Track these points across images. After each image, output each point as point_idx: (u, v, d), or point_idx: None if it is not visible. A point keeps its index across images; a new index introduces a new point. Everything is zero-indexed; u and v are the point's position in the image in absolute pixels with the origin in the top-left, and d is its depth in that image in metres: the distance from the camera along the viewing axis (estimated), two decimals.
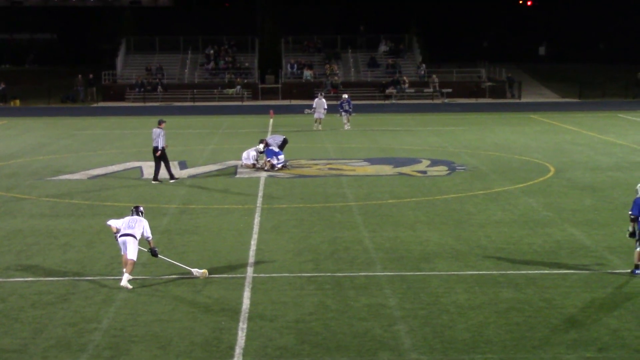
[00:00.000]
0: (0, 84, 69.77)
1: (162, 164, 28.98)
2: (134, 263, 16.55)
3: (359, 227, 21.80)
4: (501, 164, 32.93)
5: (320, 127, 45.66)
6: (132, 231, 16.65)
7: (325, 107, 46.32)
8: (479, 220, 22.56)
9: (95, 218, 23.00)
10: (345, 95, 48.17)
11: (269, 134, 43.88)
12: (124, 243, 16.56)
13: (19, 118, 56.19)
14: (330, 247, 19.63)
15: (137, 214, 17.12)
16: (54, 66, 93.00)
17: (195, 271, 17.20)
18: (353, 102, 48.55)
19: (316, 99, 46.92)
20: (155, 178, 28.87)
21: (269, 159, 31.57)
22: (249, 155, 32.17)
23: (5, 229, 21.90)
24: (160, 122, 29.31)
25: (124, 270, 16.47)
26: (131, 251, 16.49)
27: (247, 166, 31.90)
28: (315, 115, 46.17)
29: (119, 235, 16.73)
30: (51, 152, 37.89)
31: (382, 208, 24.28)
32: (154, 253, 17.24)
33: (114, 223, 17.00)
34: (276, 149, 32.04)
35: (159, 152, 28.69)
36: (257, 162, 31.91)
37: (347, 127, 45.92)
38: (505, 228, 21.54)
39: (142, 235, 16.82)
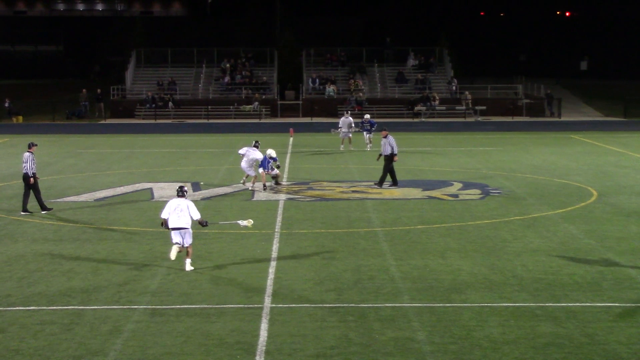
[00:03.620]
0: (5, 100, 70.36)
1: (32, 194, 27.79)
2: (191, 245, 19.98)
3: (385, 254, 21.78)
4: (539, 187, 32.84)
5: (351, 147, 45.76)
6: (183, 222, 19.72)
7: (353, 125, 46.31)
8: (515, 248, 22.48)
9: (101, 243, 23.09)
10: (367, 116, 47.79)
11: (289, 154, 43.99)
12: (178, 235, 19.75)
13: (21, 135, 56.52)
14: (354, 275, 19.62)
15: (182, 195, 20.07)
16: (59, 80, 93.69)
17: (241, 222, 20.73)
18: (379, 120, 48.60)
19: (342, 118, 46.89)
20: (25, 209, 27.61)
21: (266, 170, 31.77)
22: (249, 160, 32.29)
23: (6, 253, 22.02)
24: (30, 146, 28.06)
25: (175, 252, 19.70)
26: (187, 240, 19.83)
27: (249, 180, 32.35)
28: (341, 135, 46.19)
29: (170, 228, 19.75)
30: (55, 172, 38.12)
31: (410, 234, 24.26)
32: (202, 224, 20.29)
33: (164, 215, 19.96)
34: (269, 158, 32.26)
35: (32, 179, 27.53)
36: (271, 170, 32.18)
37: (369, 147, 45.73)
38: (543, 257, 21.46)
39: (191, 219, 19.78)
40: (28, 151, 27.85)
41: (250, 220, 20.97)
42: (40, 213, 27.69)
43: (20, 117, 69.04)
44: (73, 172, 37.83)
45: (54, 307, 17.21)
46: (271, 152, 32.26)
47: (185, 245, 19.83)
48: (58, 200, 30.33)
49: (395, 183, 33.05)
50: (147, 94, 71.87)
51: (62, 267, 20.52)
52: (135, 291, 18.26)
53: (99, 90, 72.08)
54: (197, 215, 19.94)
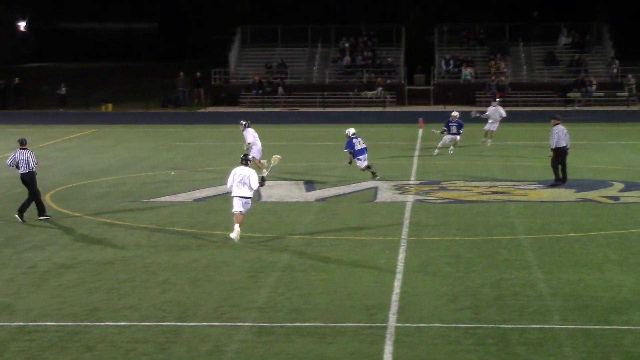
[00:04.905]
0: (61, 87, 71.64)
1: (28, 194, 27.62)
2: (243, 215, 23.79)
3: (530, 266, 21.60)
4: None
5: (489, 141, 44.58)
6: (246, 191, 23.60)
7: (504, 115, 45.13)
8: None
9: (201, 250, 23.42)
10: (456, 114, 43.21)
11: (418, 149, 43.92)
12: (240, 204, 23.62)
13: (110, 126, 57.78)
14: (494, 291, 19.51)
15: (246, 164, 23.96)
16: (154, 62, 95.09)
17: (274, 163, 28.71)
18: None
19: (491, 107, 46.02)
20: (42, 213, 27.59)
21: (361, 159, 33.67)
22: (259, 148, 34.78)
23: (93, 261, 22.47)
24: (23, 142, 27.83)
25: (235, 224, 23.50)
26: (247, 207, 23.84)
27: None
28: (486, 127, 45.16)
29: (233, 195, 23.74)
30: (149, 167, 38.80)
31: (561, 243, 24.00)
32: (261, 185, 26.06)
33: (230, 184, 23.97)
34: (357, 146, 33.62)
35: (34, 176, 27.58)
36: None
37: (451, 150, 42.87)
38: None
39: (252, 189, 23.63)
40: (23, 148, 27.54)
41: (275, 157, 29.09)
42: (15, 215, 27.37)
43: (110, 105, 70.45)
44: (169, 168, 38.40)
45: (147, 323, 17.49)
46: (353, 130, 34.23)
47: (241, 210, 23.71)
48: (151, 200, 30.87)
49: (556, 183, 32.56)
50: (253, 78, 72.58)
51: (156, 278, 20.86)
52: (239, 306, 18.44)
53: (198, 74, 72.81)
54: (256, 185, 23.98)
